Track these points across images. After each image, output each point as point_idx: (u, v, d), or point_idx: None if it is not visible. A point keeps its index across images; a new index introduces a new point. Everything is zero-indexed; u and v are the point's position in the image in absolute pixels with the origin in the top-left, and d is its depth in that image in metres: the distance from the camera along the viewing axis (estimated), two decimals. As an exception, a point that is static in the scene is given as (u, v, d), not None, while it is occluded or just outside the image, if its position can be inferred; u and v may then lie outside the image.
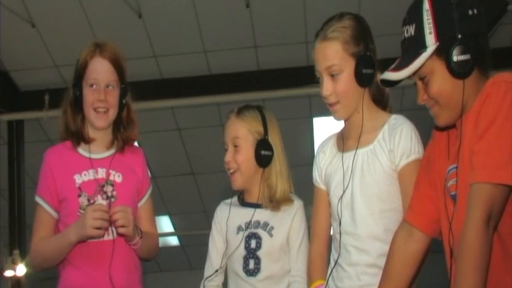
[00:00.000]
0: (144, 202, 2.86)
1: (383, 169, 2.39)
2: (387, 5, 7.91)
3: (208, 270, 2.81)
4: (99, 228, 2.59)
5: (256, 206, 2.75)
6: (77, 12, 8.17)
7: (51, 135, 9.11)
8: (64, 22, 8.29)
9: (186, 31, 8.47)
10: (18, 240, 9.01)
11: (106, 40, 2.83)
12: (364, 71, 2.40)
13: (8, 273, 8.78)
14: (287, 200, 2.75)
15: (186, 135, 9.82)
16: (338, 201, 2.44)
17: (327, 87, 2.42)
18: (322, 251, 2.55)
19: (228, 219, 2.76)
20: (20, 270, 8.72)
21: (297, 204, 2.77)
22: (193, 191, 10.44)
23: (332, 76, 2.41)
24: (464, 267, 1.89)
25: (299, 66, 8.13)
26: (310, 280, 2.55)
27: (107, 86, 2.75)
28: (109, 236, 2.67)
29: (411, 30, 2.10)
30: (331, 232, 2.55)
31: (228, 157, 2.76)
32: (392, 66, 2.13)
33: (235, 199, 2.85)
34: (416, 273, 2.28)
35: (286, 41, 8.59)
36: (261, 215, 2.74)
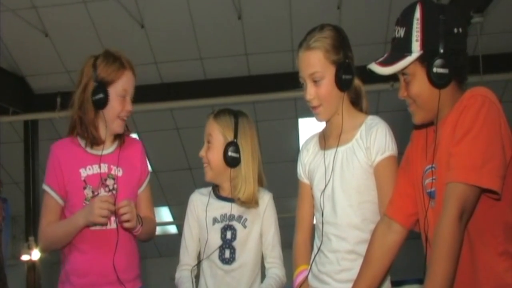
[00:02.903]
0: (142, 189, 2.85)
1: (360, 165, 2.38)
2: (363, 18, 7.92)
3: (183, 255, 2.78)
4: (104, 217, 2.59)
5: (229, 200, 2.74)
6: (86, 23, 8.15)
7: (62, 134, 9.05)
8: (74, 32, 8.28)
9: (184, 40, 8.46)
10: (33, 227, 8.99)
11: (118, 50, 2.81)
12: (343, 77, 2.38)
13: (24, 257, 8.77)
14: (251, 202, 2.72)
15: (184, 134, 9.81)
16: (321, 194, 2.43)
17: (310, 92, 2.41)
18: (306, 239, 2.54)
19: (207, 207, 2.74)
20: (35, 255, 8.72)
21: (267, 198, 2.76)
22: (190, 184, 10.41)
23: (315, 81, 2.40)
24: (438, 254, 1.91)
25: (286, 71, 8.12)
26: (295, 265, 2.54)
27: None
28: (111, 225, 2.68)
29: (401, 32, 2.07)
30: (314, 222, 2.54)
31: (202, 152, 2.78)
32: (380, 59, 2.11)
33: (210, 190, 2.82)
34: (393, 261, 2.28)
35: (274, 49, 8.59)
36: (235, 209, 2.72)
